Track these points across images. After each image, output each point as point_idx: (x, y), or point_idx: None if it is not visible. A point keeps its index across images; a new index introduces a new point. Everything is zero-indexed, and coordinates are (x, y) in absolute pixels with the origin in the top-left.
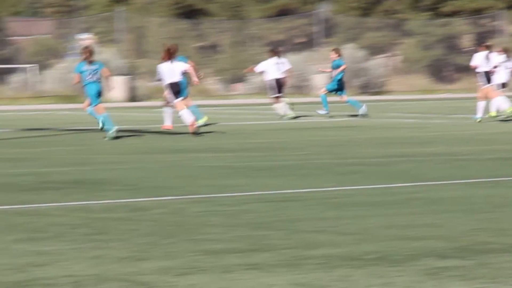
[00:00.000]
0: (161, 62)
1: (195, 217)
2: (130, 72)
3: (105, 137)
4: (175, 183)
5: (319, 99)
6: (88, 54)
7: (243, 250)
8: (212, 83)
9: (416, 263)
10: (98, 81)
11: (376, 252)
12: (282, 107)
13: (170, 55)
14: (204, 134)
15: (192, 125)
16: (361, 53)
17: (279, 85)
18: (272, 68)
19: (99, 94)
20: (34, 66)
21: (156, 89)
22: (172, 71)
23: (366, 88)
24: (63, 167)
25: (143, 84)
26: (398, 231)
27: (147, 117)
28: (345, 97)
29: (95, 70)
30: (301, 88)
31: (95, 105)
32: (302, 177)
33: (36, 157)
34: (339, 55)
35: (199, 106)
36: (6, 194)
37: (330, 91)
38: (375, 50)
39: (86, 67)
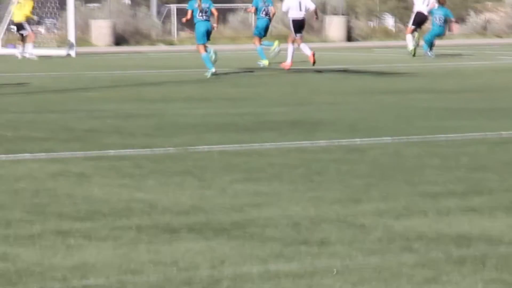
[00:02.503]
0: None
1: (412, 158)
2: (347, 11)
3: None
4: (392, 124)
5: None
6: None
7: (461, 193)
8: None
9: None
10: (207, 19)
11: None
12: (411, 39)
13: None
14: (423, 74)
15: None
16: None
17: (421, 19)
18: (419, 1)
19: (207, 33)
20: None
21: (372, 29)
22: (298, 6)
23: None
24: (281, 107)
25: (359, 24)
26: None
27: (363, 57)
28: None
29: (208, 8)
30: None
31: (200, 44)
32: None
33: (255, 96)
34: (443, 4)
35: (417, 46)
36: (225, 134)
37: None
38: None
39: (197, 4)
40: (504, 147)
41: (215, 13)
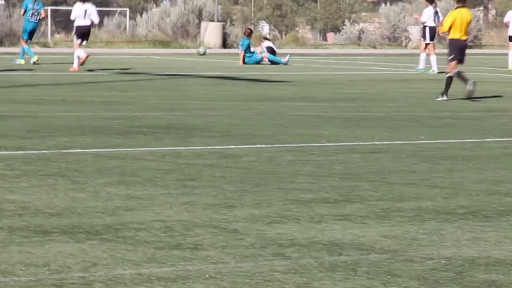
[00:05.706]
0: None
1: (285, 166)
2: (223, 18)
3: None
4: (266, 131)
5: (414, 51)
6: None
7: (333, 201)
8: (306, 32)
9: (508, 219)
10: (36, 21)
11: (467, 207)
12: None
13: None
14: (297, 83)
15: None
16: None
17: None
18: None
19: (32, 32)
20: (126, 10)
21: None
22: (83, 14)
23: None
24: (155, 111)
25: (235, 31)
26: (490, 186)
27: (238, 64)
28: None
29: (37, 9)
30: (397, 39)
31: (26, 40)
32: (394, 129)
33: (129, 101)
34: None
35: (293, 54)
36: (99, 137)
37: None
38: (469, 3)
39: (30, 5)
40: (376, 156)
41: (43, 15)
